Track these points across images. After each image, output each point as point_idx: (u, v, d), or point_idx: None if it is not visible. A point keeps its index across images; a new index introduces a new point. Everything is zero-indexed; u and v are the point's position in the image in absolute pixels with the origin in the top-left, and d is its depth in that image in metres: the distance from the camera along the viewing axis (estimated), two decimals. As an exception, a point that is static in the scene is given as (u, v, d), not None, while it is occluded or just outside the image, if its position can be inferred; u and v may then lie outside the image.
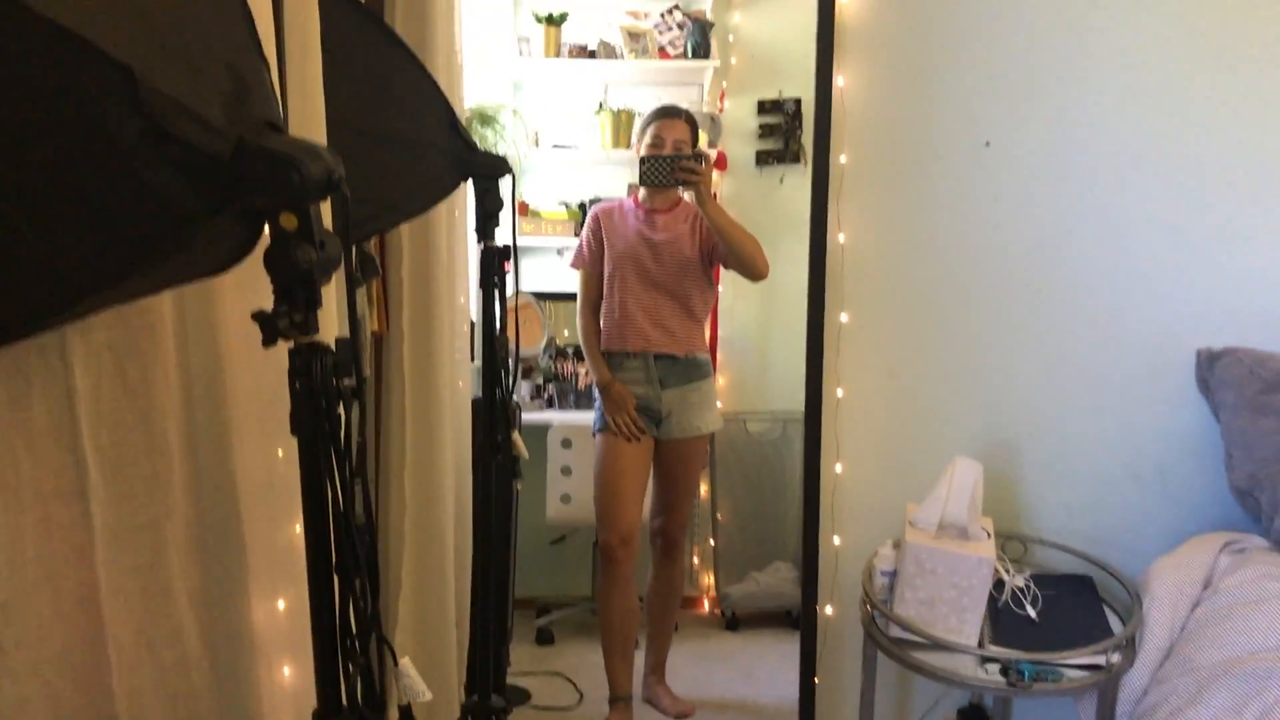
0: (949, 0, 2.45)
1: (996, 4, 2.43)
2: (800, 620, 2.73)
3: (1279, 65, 2.36)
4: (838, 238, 2.56)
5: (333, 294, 1.37)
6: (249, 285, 1.23)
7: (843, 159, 2.52)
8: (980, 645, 2.10)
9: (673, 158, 2.81)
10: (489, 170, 1.86)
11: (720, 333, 3.95)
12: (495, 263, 1.92)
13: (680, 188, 2.90)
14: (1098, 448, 2.53)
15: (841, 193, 2.53)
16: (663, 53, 3.89)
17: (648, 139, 2.95)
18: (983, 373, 2.56)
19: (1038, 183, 2.47)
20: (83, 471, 1.06)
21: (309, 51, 1.38)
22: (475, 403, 3.04)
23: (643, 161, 2.84)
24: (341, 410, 0.91)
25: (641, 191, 3.06)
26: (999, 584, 2.23)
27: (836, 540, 2.67)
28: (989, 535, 2.19)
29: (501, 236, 1.97)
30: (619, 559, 2.98)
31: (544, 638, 3.71)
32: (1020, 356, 2.54)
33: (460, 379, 2.64)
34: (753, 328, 4.00)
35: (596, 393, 3.07)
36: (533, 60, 3.91)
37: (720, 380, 3.96)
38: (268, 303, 1.30)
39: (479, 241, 1.94)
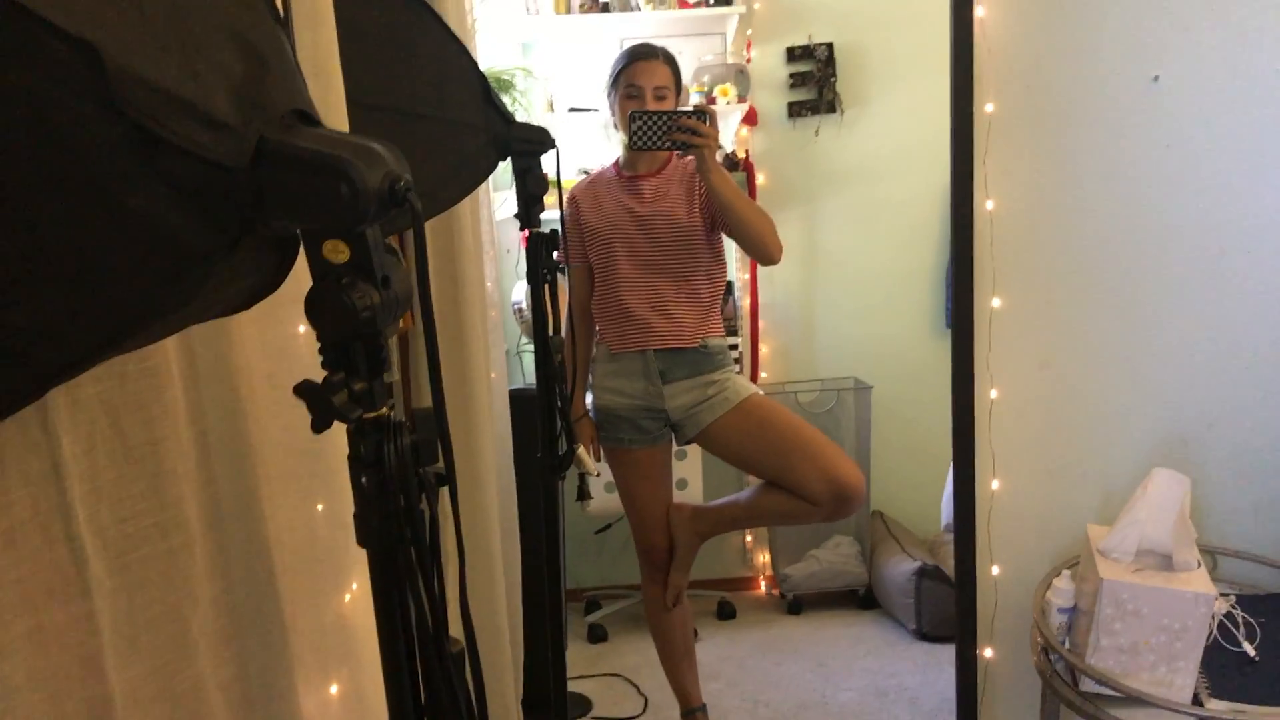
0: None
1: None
2: (956, 667, 2.28)
3: None
4: (985, 205, 2.10)
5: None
6: (270, 312, 1.00)
7: (989, 107, 2.09)
8: (1196, 701, 1.70)
9: (669, 114, 2.29)
10: (531, 146, 1.60)
11: (760, 300, 3.71)
12: (544, 252, 1.68)
13: (680, 151, 2.44)
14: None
15: (986, 151, 2.10)
16: (682, 2, 3.60)
17: (620, 88, 2.48)
18: (1156, 358, 2.13)
19: (1217, 125, 2.05)
20: (82, 563, 0.85)
21: (321, 15, 1.13)
22: (512, 395, 2.83)
23: (632, 119, 2.30)
24: (426, 507, 0.67)
25: (622, 154, 2.61)
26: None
27: (995, 570, 2.22)
28: (1199, 564, 1.78)
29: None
30: (659, 564, 2.63)
31: (597, 635, 3.50)
32: (1199, 336, 2.11)
33: (493, 370, 2.43)
34: (795, 293, 3.76)
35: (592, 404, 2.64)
36: (542, 18, 3.62)
37: (764, 349, 3.75)
38: (294, 328, 1.07)
39: (522, 229, 1.69)
